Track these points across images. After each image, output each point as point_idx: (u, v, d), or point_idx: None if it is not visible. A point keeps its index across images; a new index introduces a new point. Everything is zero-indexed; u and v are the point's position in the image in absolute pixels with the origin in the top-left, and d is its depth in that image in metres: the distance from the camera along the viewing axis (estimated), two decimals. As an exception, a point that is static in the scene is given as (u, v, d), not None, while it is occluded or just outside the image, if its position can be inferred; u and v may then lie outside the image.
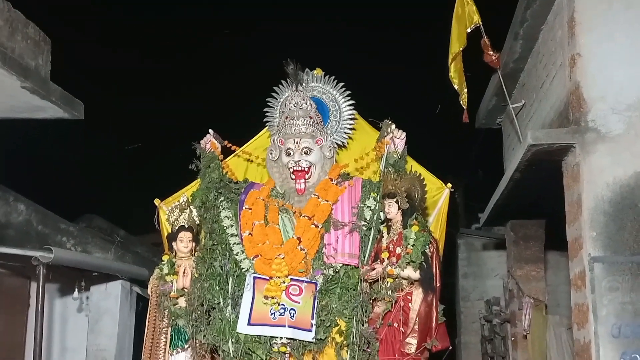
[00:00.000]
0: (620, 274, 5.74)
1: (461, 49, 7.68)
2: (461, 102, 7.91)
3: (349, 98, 7.60)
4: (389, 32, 15.40)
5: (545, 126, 7.15)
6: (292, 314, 6.62)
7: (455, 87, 7.84)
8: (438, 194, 7.40)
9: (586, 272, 5.82)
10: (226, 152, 7.82)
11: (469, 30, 7.58)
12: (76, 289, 9.86)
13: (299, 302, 6.69)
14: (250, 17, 15.95)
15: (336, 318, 6.64)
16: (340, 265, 6.84)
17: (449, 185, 7.41)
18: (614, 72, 6.01)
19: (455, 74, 7.81)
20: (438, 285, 6.62)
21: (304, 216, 7.05)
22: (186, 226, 7.04)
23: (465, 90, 7.90)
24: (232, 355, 6.65)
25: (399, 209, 6.72)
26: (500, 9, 8.20)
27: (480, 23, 7.53)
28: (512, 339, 9.85)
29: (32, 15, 8.28)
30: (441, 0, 8.56)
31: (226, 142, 7.77)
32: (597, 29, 6.10)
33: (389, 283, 6.53)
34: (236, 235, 7.17)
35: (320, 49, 12.87)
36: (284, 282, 6.69)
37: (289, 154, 7.31)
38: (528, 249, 9.67)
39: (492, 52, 7.68)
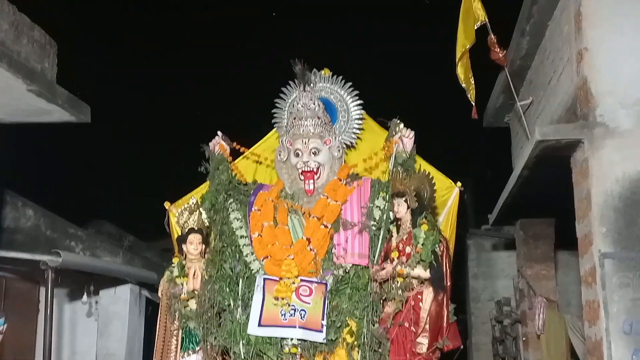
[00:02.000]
0: (631, 269, 5.74)
1: (469, 46, 7.68)
2: (469, 98, 7.90)
3: (357, 98, 7.61)
4: (396, 28, 15.39)
5: (553, 122, 7.16)
6: (302, 315, 6.63)
7: (462, 83, 7.84)
8: (447, 193, 7.41)
9: (596, 268, 5.82)
10: (235, 154, 7.85)
11: (475, 27, 7.58)
12: (85, 293, 9.92)
13: (309, 303, 6.70)
14: (253, 16, 15.97)
15: (347, 318, 6.64)
16: (350, 265, 6.84)
17: (459, 184, 7.41)
18: (622, 66, 6.01)
19: (462, 70, 7.81)
20: (449, 284, 6.61)
21: (313, 217, 7.07)
22: (196, 228, 7.08)
23: (473, 85, 7.89)
24: (243, 357, 6.67)
25: (408, 208, 6.72)
26: (507, 5, 8.22)
27: (487, 20, 7.54)
28: (524, 339, 9.85)
29: (37, 19, 8.32)
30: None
31: (235, 144, 7.79)
32: (605, 23, 6.11)
33: (399, 282, 6.52)
34: (246, 237, 7.20)
35: (327, 47, 12.90)
36: (293, 283, 6.70)
37: (297, 155, 7.33)
38: (538, 248, 9.66)
39: (498, 50, 7.68)
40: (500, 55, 7.71)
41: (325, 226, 7.01)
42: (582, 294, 6.30)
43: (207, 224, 7.21)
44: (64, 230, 10.64)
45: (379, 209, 7.05)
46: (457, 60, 7.81)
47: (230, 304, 6.91)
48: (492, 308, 12.33)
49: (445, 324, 6.59)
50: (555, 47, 7.27)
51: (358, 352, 6.63)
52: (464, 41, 7.70)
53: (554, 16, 7.27)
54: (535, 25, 7.59)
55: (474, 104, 8.03)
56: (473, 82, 7.90)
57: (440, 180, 7.32)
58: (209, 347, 6.78)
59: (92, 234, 11.45)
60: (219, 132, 7.70)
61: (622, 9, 6.12)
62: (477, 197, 16.02)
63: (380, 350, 6.55)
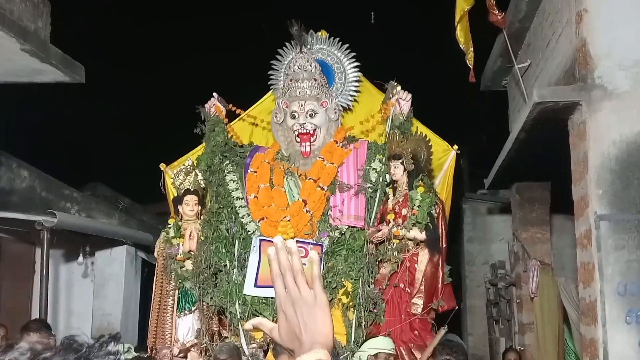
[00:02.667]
0: (627, 232, 5.75)
1: (467, 8, 7.62)
2: (467, 62, 7.86)
3: (354, 60, 7.60)
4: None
5: (551, 84, 7.12)
6: (298, 276, 6.66)
7: (461, 46, 7.79)
8: (444, 156, 7.45)
9: (592, 230, 5.83)
10: (231, 116, 7.84)
11: (474, -11, 7.53)
12: (81, 254, 9.93)
13: (305, 264, 6.72)
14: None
15: (342, 279, 6.72)
16: (346, 227, 6.90)
17: (455, 147, 7.45)
18: (620, 28, 5.96)
19: (462, 32, 7.75)
20: (444, 246, 6.68)
21: (310, 179, 7.09)
22: (192, 190, 7.09)
23: (472, 49, 7.85)
24: (239, 317, 6.73)
25: (404, 171, 6.76)
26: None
27: (486, -18, 7.47)
28: (518, 301, 9.90)
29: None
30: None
31: (231, 105, 7.78)
32: (604, -16, 6.06)
33: (395, 244, 6.59)
34: (242, 199, 7.22)
35: (321, 10, 12.79)
36: (290, 244, 6.73)
37: (294, 117, 7.33)
38: (533, 212, 9.66)
39: (497, 12, 7.61)
40: (499, 17, 7.64)
41: (322, 188, 7.04)
42: (577, 256, 6.31)
43: (203, 185, 7.22)
44: (59, 192, 10.62)
45: (375, 171, 7.08)
46: (456, 23, 7.76)
47: (226, 265, 6.97)
48: (487, 271, 12.39)
49: (440, 285, 6.66)
50: (554, 9, 7.21)
51: (353, 312, 6.70)
52: (462, 4, 7.64)
53: (553, -23, 7.21)
54: (534, -13, 7.53)
55: (471, 67, 7.99)
56: (472, 45, 7.85)
57: (437, 144, 7.35)
58: (205, 307, 6.84)
59: (88, 196, 11.42)
60: (215, 94, 7.69)
61: (622, -30, 6.07)
62: (473, 161, 16.02)
63: (375, 310, 6.62)
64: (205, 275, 6.86)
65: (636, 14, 5.99)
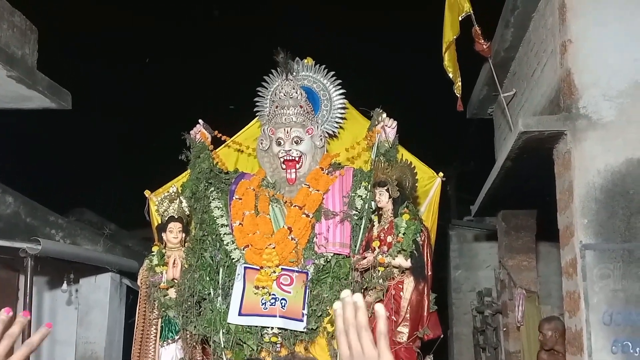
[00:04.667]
0: (612, 261, 5.73)
1: (454, 37, 7.64)
2: (455, 91, 7.88)
3: (340, 87, 7.60)
4: (380, 16, 15.33)
5: (536, 114, 7.14)
6: (283, 304, 6.61)
7: (450, 75, 7.80)
8: (429, 183, 7.42)
9: (577, 259, 5.81)
10: (216, 142, 7.81)
11: (460, 18, 7.55)
12: (65, 282, 9.81)
13: (290, 292, 6.68)
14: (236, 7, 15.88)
15: (327, 307, 6.65)
16: (332, 254, 6.85)
17: (441, 174, 7.43)
18: (605, 57, 5.98)
19: (450, 62, 7.77)
20: (429, 273, 6.64)
21: (295, 206, 7.05)
22: (176, 217, 7.02)
23: (459, 79, 7.87)
24: (223, 346, 6.64)
25: (389, 198, 6.74)
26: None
27: (471, 11, 7.50)
28: (504, 329, 9.86)
29: (18, 4, 8.21)
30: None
31: (216, 132, 7.75)
32: (589, 15, 6.08)
33: (380, 272, 6.54)
34: (226, 226, 7.17)
35: (311, 33, 12.83)
36: (274, 272, 6.69)
37: (279, 144, 7.30)
38: (519, 239, 9.66)
39: (483, 41, 7.64)
40: (485, 46, 7.67)
41: (307, 215, 6.99)
42: (563, 285, 6.29)
43: (187, 212, 7.16)
44: (44, 218, 10.51)
45: (361, 198, 7.05)
46: (443, 51, 7.78)
47: (210, 293, 6.88)
48: (474, 299, 12.36)
49: (425, 313, 6.61)
50: (539, 39, 7.25)
51: (339, 341, 6.61)
52: (449, 33, 7.66)
53: (538, 8, 7.24)
54: (519, 17, 7.55)
55: (459, 96, 8.01)
56: (459, 74, 7.87)
57: (423, 171, 7.34)
58: (188, 335, 6.74)
59: (73, 222, 11.32)
60: (201, 121, 7.66)
61: (606, 1, 6.08)
62: (460, 188, 16.05)
63: (360, 340, 6.54)
64: (189, 303, 6.77)
65: (621, 43, 6.02)
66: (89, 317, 10.43)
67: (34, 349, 1.25)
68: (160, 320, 6.91)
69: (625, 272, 5.71)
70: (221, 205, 7.28)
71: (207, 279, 6.92)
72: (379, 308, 1.46)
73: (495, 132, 10.25)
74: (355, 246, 6.85)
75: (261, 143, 7.48)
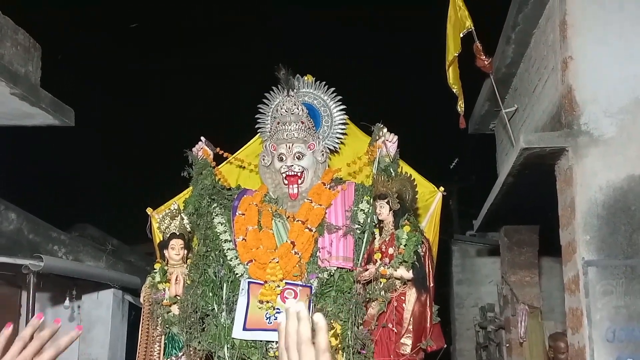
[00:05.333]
0: (614, 277, 5.73)
1: (456, 54, 7.67)
2: (458, 108, 7.89)
3: (340, 103, 7.62)
4: (381, 34, 15.39)
5: (538, 130, 7.15)
6: (287, 318, 6.59)
7: (454, 91, 7.82)
8: (431, 198, 7.44)
9: (580, 276, 5.81)
10: (218, 159, 7.82)
11: (461, 35, 7.57)
12: (67, 298, 9.81)
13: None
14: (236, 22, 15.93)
15: (331, 321, 6.63)
16: (335, 268, 6.85)
17: (441, 188, 7.45)
18: (606, 74, 6.00)
19: (455, 79, 7.80)
20: (432, 284, 6.65)
21: (298, 220, 7.06)
22: (177, 233, 7.03)
23: (462, 96, 7.88)
24: (227, 361, 6.63)
25: (390, 210, 6.77)
26: (492, 13, 8.21)
27: (473, 28, 7.53)
28: (507, 345, 9.84)
29: (22, 21, 8.24)
30: (435, 2, 8.56)
31: (218, 149, 7.77)
32: (590, 31, 6.10)
33: (382, 283, 6.56)
34: (230, 241, 7.17)
35: (311, 52, 12.87)
36: (278, 286, 6.70)
37: (281, 159, 7.32)
38: (522, 255, 9.65)
39: (484, 57, 7.67)
40: (486, 62, 7.69)
41: (310, 230, 7.00)
42: (566, 302, 6.28)
43: (189, 229, 7.16)
44: (47, 234, 10.52)
45: (363, 212, 7.07)
46: (447, 68, 7.80)
47: (214, 308, 6.89)
48: (476, 314, 12.34)
49: (428, 325, 6.61)
50: (540, 55, 7.27)
51: (343, 354, 6.61)
52: (452, 49, 7.69)
53: (539, 24, 7.27)
54: (520, 34, 7.58)
55: (462, 113, 8.02)
56: (462, 91, 7.89)
57: (423, 185, 7.36)
58: (192, 352, 6.73)
59: (75, 238, 11.32)
60: (203, 138, 7.67)
61: (607, 18, 6.11)
62: (462, 203, 16.05)
63: (364, 352, 6.56)
64: (192, 319, 6.77)
65: (622, 59, 6.04)
66: (91, 333, 10.42)
67: (61, 352, 1.21)
68: (163, 337, 6.91)
69: (627, 288, 5.70)
70: (224, 221, 7.29)
71: (211, 294, 6.93)
72: (318, 319, 1.26)
73: (497, 147, 10.27)
74: (358, 259, 6.88)
75: (263, 159, 7.50)
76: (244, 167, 8.00)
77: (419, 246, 6.59)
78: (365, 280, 6.68)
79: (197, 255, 7.12)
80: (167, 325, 6.87)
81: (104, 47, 15.35)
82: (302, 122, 7.36)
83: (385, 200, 6.76)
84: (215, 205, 7.40)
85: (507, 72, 8.48)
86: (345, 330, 6.62)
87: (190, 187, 7.52)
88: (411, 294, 6.58)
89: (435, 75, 8.06)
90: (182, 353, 6.83)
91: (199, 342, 6.69)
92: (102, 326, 10.45)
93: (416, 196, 7.00)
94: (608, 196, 5.85)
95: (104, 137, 15.12)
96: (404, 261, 6.50)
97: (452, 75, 7.86)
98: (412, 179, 6.94)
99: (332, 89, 7.61)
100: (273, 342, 6.59)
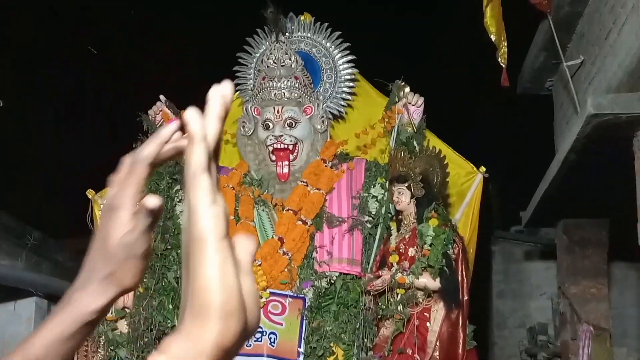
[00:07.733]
0: None
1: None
2: (499, 59, 7.92)
3: (348, 52, 7.61)
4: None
5: (611, 91, 7.20)
6: (272, 340, 6.68)
7: (492, 37, 7.84)
8: (468, 181, 7.45)
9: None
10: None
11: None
12: (-27, 310, 9.88)
13: (281, 324, 6.76)
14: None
15: (332, 345, 6.70)
16: (337, 274, 6.89)
17: (483, 169, 7.43)
18: None
19: (492, 20, 7.80)
20: (466, 298, 6.65)
21: (288, 210, 7.09)
22: (129, 224, 7.11)
23: (505, 42, 7.90)
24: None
25: (412, 198, 6.75)
26: None
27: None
28: (564, 378, 9.95)
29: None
30: None
31: (182, 112, 7.82)
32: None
33: (400, 295, 6.57)
34: (196, 236, 7.24)
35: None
36: (261, 298, 6.77)
37: (267, 127, 7.32)
38: (586, 258, 9.71)
39: (540, -10, 7.69)
40: (542, -1, 7.71)
41: (304, 222, 7.04)
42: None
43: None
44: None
45: (376, 200, 7.09)
46: (484, 6, 7.80)
47: (174, 326, 6.96)
48: (523, 337, 12.45)
49: (460, 351, 6.62)
50: (616, -10, 7.33)
51: (346, 388, 6.70)
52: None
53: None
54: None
55: (504, 66, 8.04)
56: (505, 37, 7.88)
57: (458, 164, 7.37)
58: (145, 382, 6.85)
59: (-16, 230, 11.40)
60: (162, 97, 7.64)
61: None
62: (506, 189, 16.11)
63: (374, 386, 6.64)
64: (146, 339, 6.85)
65: None
66: (4, 355, 10.50)
67: (165, 141, 1.12)
68: (106, 361, 7.00)
69: None
70: (189, 209, 7.37)
71: (170, 307, 6.98)
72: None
73: (555, 114, 10.32)
74: (368, 263, 6.90)
75: (243, 127, 7.50)
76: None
77: (450, 246, 6.61)
78: (377, 291, 6.70)
79: (153, 254, 7.20)
80: (112, 347, 6.95)
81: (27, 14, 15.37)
82: (296, 78, 7.35)
83: (406, 185, 6.75)
84: (178, 187, 7.41)
85: (571, 12, 8.50)
86: (350, 357, 6.68)
87: (145, 163, 7.58)
88: (438, 310, 6.61)
89: (473, 17, 8.09)
90: (132, 384, 6.93)
91: (154, 370, 6.79)
92: (21, 348, 10.51)
93: (447, 179, 6.97)
94: (702, 180, 5.92)
95: (27, 106, 15.13)
96: (429, 266, 6.52)
97: (489, 14, 7.84)
98: (442, 155, 6.92)
99: (338, 32, 7.60)
100: (255, 369, 6.68)
